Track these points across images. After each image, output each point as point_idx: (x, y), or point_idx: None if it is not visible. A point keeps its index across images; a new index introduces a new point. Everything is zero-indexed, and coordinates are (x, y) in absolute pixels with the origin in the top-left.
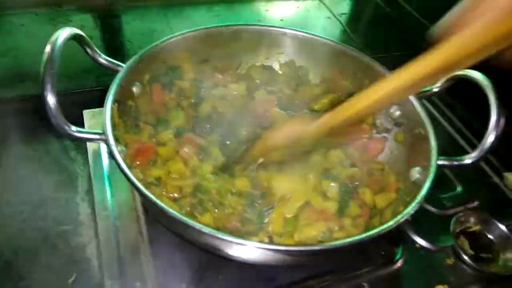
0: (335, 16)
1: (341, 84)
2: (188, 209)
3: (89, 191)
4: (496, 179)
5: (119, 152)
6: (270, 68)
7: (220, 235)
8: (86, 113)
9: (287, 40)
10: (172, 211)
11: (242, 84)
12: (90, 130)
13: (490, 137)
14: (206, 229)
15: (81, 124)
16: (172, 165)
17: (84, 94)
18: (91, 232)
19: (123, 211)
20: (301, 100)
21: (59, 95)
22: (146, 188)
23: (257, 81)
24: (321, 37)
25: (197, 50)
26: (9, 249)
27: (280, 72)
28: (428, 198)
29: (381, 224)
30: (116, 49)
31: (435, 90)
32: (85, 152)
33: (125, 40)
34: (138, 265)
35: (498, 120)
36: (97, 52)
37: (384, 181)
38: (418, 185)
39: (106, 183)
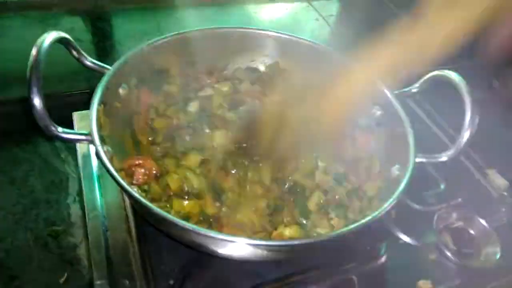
0: (323, 18)
1: (325, 86)
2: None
3: (81, 192)
4: (478, 176)
5: (105, 152)
6: (255, 70)
7: (203, 232)
8: (76, 115)
9: (272, 42)
10: (158, 209)
11: (227, 84)
12: (76, 131)
13: (465, 135)
14: (190, 227)
15: (71, 126)
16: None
17: (75, 96)
18: (82, 232)
19: (112, 211)
20: (285, 100)
21: (49, 97)
22: (131, 186)
23: (243, 81)
24: (304, 39)
25: (184, 53)
26: (0, 249)
27: (265, 74)
28: (411, 195)
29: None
30: (106, 52)
31: (414, 90)
32: (76, 153)
33: (115, 43)
34: (127, 264)
35: (472, 118)
36: (83, 55)
37: (371, 170)
38: (397, 183)
39: (96, 184)
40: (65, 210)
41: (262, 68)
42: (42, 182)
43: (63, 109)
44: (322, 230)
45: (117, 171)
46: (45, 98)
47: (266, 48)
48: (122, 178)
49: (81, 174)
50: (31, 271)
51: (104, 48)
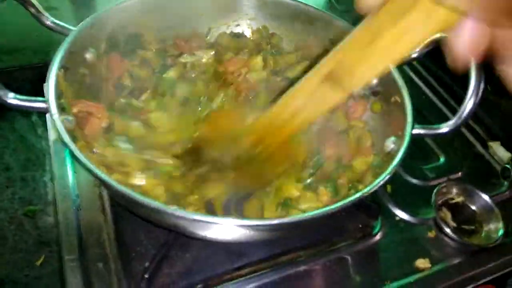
0: None
1: (316, 51)
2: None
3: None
4: (480, 148)
5: (63, 122)
6: (241, 35)
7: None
8: (45, 86)
9: (258, 4)
10: (124, 189)
11: (210, 51)
12: (30, 98)
13: (469, 104)
14: (163, 207)
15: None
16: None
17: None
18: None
19: (85, 189)
20: (275, 68)
21: (23, 69)
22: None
23: (227, 48)
24: (294, 0)
25: (160, 15)
26: None
27: (252, 39)
28: (409, 169)
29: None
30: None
31: (414, 55)
32: None
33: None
34: (101, 246)
35: (477, 86)
36: (43, 14)
37: (362, 144)
38: (392, 156)
39: (67, 160)
40: (42, 189)
41: (248, 32)
42: (17, 159)
43: (35, 81)
44: (311, 205)
45: (76, 144)
46: (19, 71)
47: (251, 9)
48: (85, 155)
49: (52, 150)
50: (6, 253)
51: (83, 17)
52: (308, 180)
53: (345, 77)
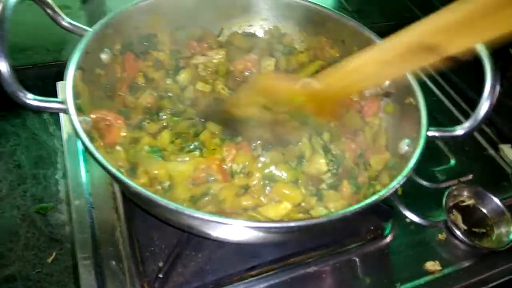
0: None
1: (328, 52)
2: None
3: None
4: (491, 151)
5: (80, 122)
6: (253, 35)
7: (196, 214)
8: (60, 85)
9: (270, 5)
10: (141, 189)
11: (221, 50)
12: (48, 99)
13: (484, 106)
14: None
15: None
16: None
17: (62, 66)
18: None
19: (98, 188)
20: (287, 68)
21: (36, 67)
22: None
23: (239, 48)
24: (306, 1)
25: (173, 16)
26: None
27: (264, 39)
28: (420, 171)
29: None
30: (97, 20)
31: None
32: None
33: (108, 10)
34: (114, 244)
35: (493, 88)
36: (59, 15)
37: (378, 141)
38: (407, 158)
39: (81, 159)
40: (53, 186)
41: (260, 33)
42: (29, 157)
43: (48, 79)
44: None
45: (96, 147)
46: (31, 68)
47: (264, 11)
48: (101, 153)
49: (65, 148)
50: (18, 250)
51: (94, 15)
52: (330, 180)
53: (443, 44)
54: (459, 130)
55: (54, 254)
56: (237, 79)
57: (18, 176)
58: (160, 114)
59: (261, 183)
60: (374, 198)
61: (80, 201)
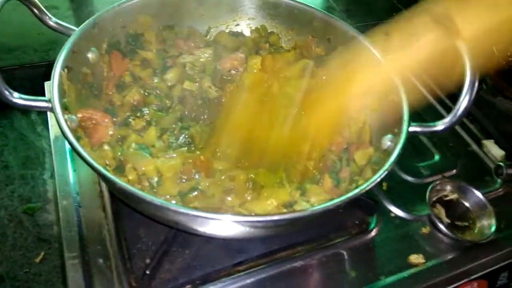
0: None
1: (314, 50)
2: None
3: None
4: (475, 147)
5: (67, 121)
6: (240, 34)
7: (181, 209)
8: (47, 85)
9: (257, 4)
10: (125, 185)
11: (208, 49)
12: (35, 97)
13: (464, 102)
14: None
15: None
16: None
17: (49, 66)
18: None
19: (85, 187)
20: (273, 67)
21: (24, 67)
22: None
23: (225, 47)
24: (293, 0)
25: (160, 15)
26: None
27: (250, 38)
28: (404, 167)
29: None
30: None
31: None
32: None
33: (95, 10)
34: (102, 242)
35: (472, 84)
36: (46, 14)
37: (362, 137)
38: (389, 153)
39: (68, 158)
40: (41, 187)
41: (247, 32)
42: (17, 157)
43: (36, 79)
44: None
45: (82, 145)
46: (19, 69)
47: (251, 10)
48: (87, 151)
49: (53, 149)
50: (6, 250)
51: (82, 15)
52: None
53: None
54: (440, 125)
55: (42, 254)
56: (224, 77)
57: (6, 177)
58: (143, 109)
59: (245, 185)
60: (356, 191)
61: (68, 200)
